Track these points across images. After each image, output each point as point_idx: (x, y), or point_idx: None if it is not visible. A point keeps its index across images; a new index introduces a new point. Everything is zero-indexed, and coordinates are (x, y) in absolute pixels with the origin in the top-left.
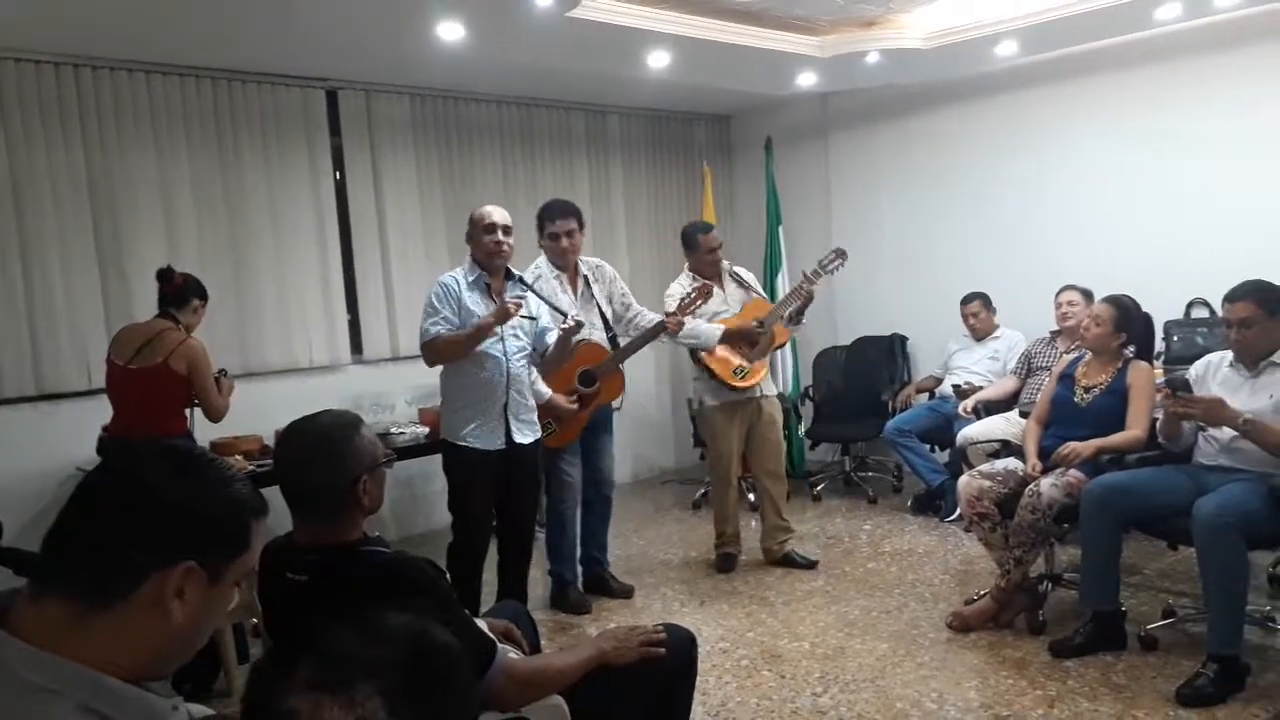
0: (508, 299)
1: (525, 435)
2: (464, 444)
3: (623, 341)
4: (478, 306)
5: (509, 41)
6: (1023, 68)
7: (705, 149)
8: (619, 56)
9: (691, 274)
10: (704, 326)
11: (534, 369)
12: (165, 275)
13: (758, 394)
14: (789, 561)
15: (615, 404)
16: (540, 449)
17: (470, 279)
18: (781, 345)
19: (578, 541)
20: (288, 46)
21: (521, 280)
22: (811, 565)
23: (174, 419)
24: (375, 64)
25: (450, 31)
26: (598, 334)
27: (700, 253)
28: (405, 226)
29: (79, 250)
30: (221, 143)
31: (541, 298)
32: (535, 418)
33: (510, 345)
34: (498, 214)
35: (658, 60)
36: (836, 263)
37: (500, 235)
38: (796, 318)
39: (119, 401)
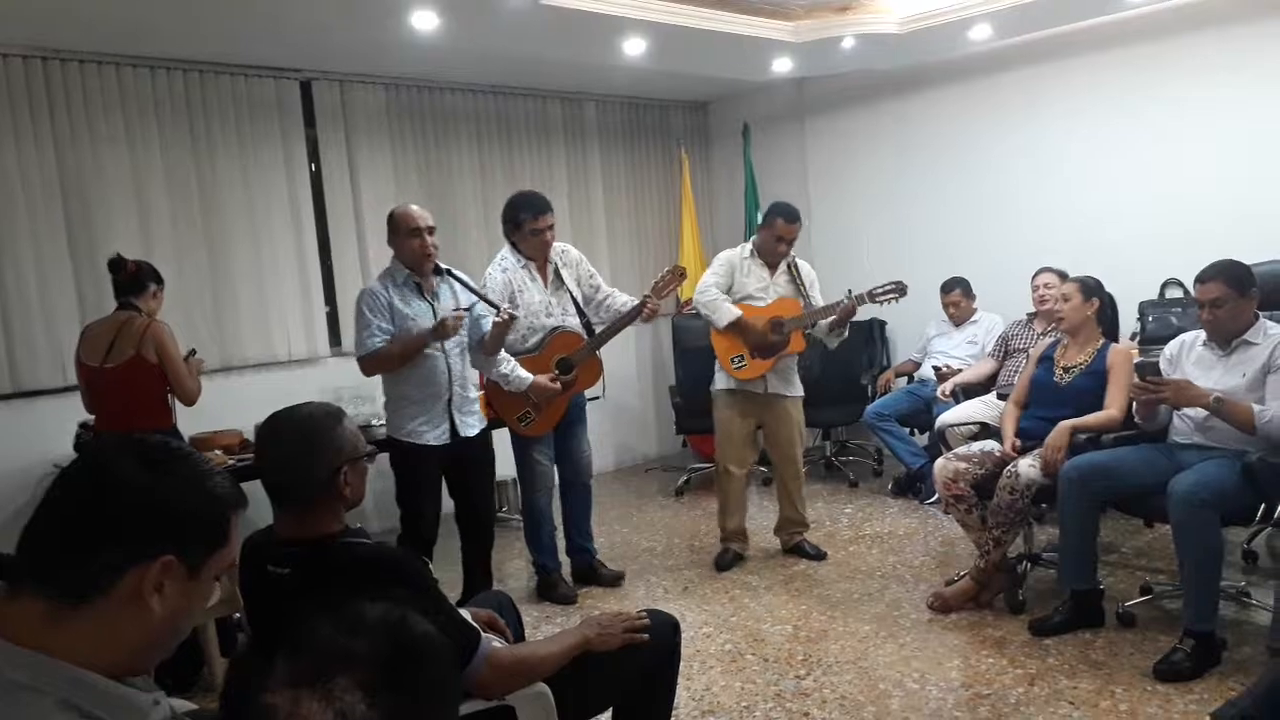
0: (449, 313)
1: (471, 428)
2: (411, 440)
3: (597, 326)
4: (410, 307)
5: (483, 29)
6: (997, 51)
7: (683, 136)
8: (595, 44)
9: (753, 248)
10: (724, 305)
11: (510, 361)
12: (116, 265)
13: (764, 389)
14: (799, 552)
15: (598, 393)
16: (512, 439)
17: (399, 280)
18: (796, 353)
19: (556, 531)
20: (260, 37)
21: (449, 272)
22: (820, 557)
23: (158, 413)
24: (349, 54)
25: (424, 20)
26: (572, 320)
27: (769, 235)
28: (382, 217)
29: (51, 246)
30: (195, 136)
31: (470, 288)
32: (478, 409)
33: (448, 341)
34: (424, 215)
35: (634, 47)
36: (890, 296)
37: (427, 238)
38: (839, 329)
39: (100, 403)
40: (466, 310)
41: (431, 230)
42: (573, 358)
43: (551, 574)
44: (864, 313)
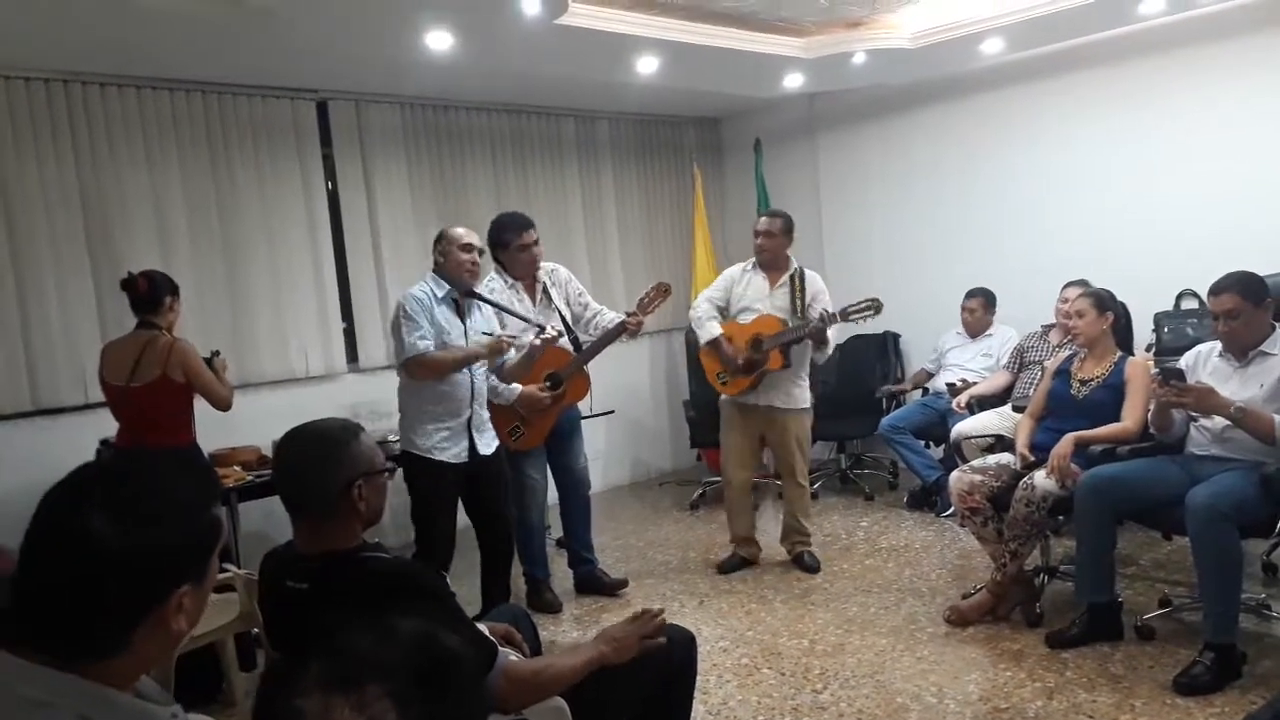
0: (502, 335)
1: (487, 446)
2: (431, 457)
3: (585, 342)
4: (448, 322)
5: (498, 49)
6: (1009, 64)
7: (695, 152)
8: (607, 62)
9: (755, 261)
10: (708, 324)
11: (493, 375)
12: (128, 283)
13: (762, 403)
14: (799, 563)
15: (611, 407)
16: (504, 454)
17: (439, 294)
18: (774, 370)
19: (546, 542)
20: (277, 58)
21: (480, 296)
22: (814, 570)
23: (181, 429)
24: (365, 74)
25: (439, 40)
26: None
27: (754, 238)
28: (398, 235)
29: (73, 266)
30: (213, 156)
31: (510, 312)
32: (492, 428)
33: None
34: (474, 235)
35: (646, 65)
36: (866, 313)
37: (476, 255)
38: (821, 347)
39: (123, 420)
40: (490, 334)
41: (481, 251)
42: (561, 372)
43: (539, 582)
44: (877, 326)
